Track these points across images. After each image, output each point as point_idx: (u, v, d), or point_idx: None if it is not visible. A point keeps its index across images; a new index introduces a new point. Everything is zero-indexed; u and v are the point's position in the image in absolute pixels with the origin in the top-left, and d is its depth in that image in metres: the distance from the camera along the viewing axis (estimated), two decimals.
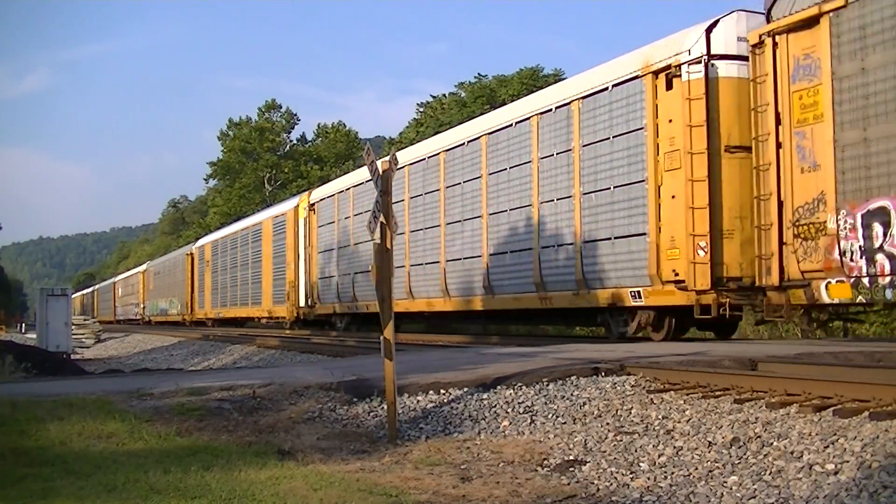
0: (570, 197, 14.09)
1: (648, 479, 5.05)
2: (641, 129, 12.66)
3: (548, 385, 7.60)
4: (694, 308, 11.86)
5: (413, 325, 22.39)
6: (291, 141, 69.33)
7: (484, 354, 10.97)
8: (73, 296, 49.21)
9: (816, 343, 11.32)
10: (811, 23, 10.54)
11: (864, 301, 10.12)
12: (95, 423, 6.25)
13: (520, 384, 7.60)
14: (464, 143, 17.28)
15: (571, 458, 5.65)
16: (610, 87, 13.40)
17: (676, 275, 12.01)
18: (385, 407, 6.72)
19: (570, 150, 14.13)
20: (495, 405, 7.14)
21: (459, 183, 17.34)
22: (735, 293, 11.69)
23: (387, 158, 6.96)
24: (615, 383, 7.54)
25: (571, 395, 7.30)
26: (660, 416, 6.33)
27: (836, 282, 10.25)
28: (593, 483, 5.08)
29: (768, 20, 11.30)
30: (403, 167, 19.00)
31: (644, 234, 12.56)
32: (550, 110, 14.78)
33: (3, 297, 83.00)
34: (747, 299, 11.75)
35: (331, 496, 4.54)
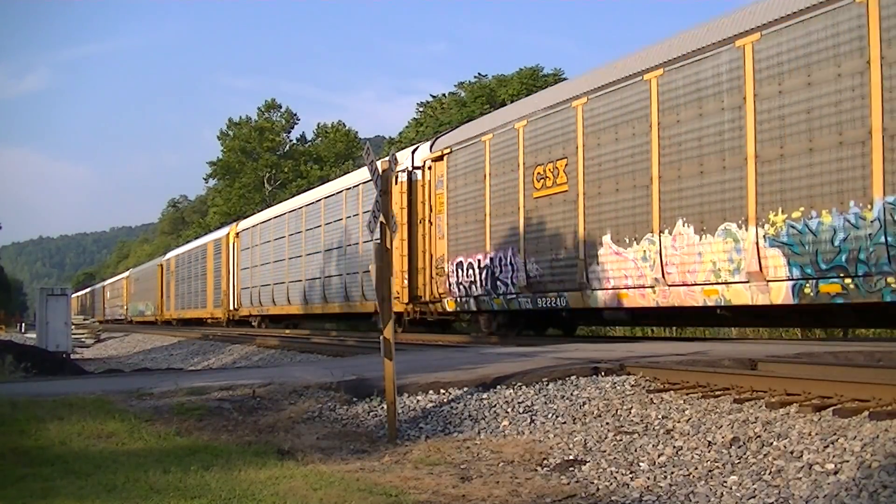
0: (355, 244, 22.19)
1: (648, 478, 5.05)
2: None
3: (548, 385, 7.60)
4: (404, 314, 19.56)
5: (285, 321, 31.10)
6: (291, 141, 69.27)
7: (484, 354, 10.97)
8: (73, 296, 50.39)
9: (816, 343, 11.33)
10: (441, 157, 18.43)
11: (459, 310, 17.99)
12: (95, 422, 6.25)
13: (520, 384, 7.60)
14: (312, 202, 26.47)
15: (571, 457, 5.65)
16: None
17: (397, 294, 18.85)
18: (385, 407, 6.72)
19: (351, 216, 22.82)
20: (495, 405, 7.14)
21: (312, 228, 26.00)
22: (421, 305, 19.20)
23: (387, 159, 6.96)
24: (615, 383, 7.54)
25: (571, 394, 7.30)
26: (660, 416, 6.33)
27: (450, 300, 17.96)
28: (593, 483, 5.08)
29: (431, 150, 19.07)
30: (281, 215, 29.23)
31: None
32: (336, 193, 24.21)
33: (2, 296, 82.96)
34: (426, 307, 19.18)
35: (330, 496, 4.54)
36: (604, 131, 13.29)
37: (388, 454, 5.85)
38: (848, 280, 9.69)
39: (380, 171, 6.74)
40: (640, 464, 5.35)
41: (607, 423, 6.38)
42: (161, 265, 49.89)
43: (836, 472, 4.56)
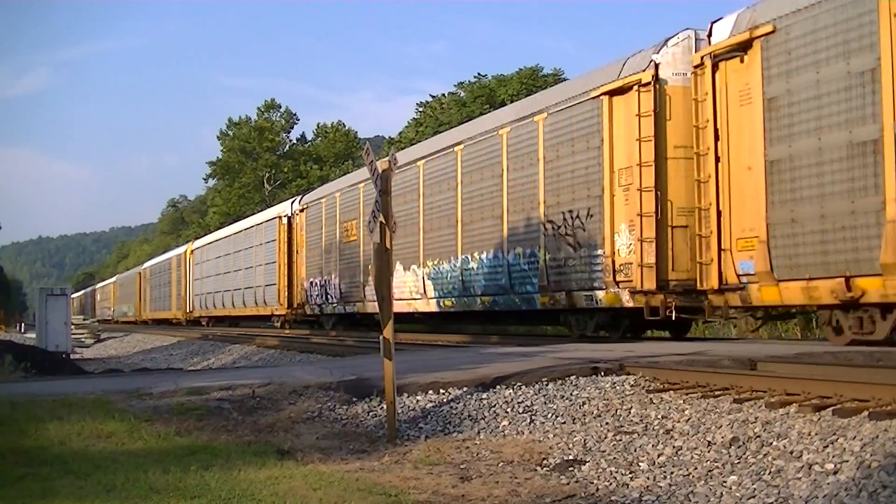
0: (261, 265, 30.30)
1: (648, 478, 5.05)
2: (275, 240, 28.89)
3: (547, 385, 7.59)
4: (286, 315, 28.21)
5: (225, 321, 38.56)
6: (291, 140, 69.21)
7: (483, 354, 10.97)
8: (73, 296, 51.39)
9: (816, 343, 11.32)
10: (303, 210, 27.56)
11: (313, 313, 26.32)
12: (95, 422, 6.24)
13: (519, 384, 7.60)
14: (237, 231, 35.16)
15: (571, 457, 5.65)
16: (269, 219, 30.46)
17: (282, 302, 28.14)
18: (384, 406, 6.71)
19: (259, 244, 30.85)
20: (495, 405, 7.14)
21: (236, 251, 34.24)
22: (295, 310, 27.63)
23: (387, 159, 6.95)
24: (614, 383, 7.54)
25: (571, 394, 7.30)
26: (659, 416, 6.33)
27: (308, 307, 26.41)
28: (592, 483, 5.08)
29: (299, 204, 28.23)
30: (220, 239, 38.06)
31: (275, 283, 28.73)
32: (250, 227, 32.93)
33: (2, 296, 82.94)
34: (296, 312, 27.62)
35: (330, 496, 4.54)
36: (368, 206, 20.46)
37: (387, 454, 5.84)
38: (454, 299, 17.73)
39: (380, 171, 6.73)
40: (640, 464, 5.35)
41: (607, 423, 6.38)
42: (140, 273, 58.90)
43: (835, 472, 4.56)
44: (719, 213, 11.22)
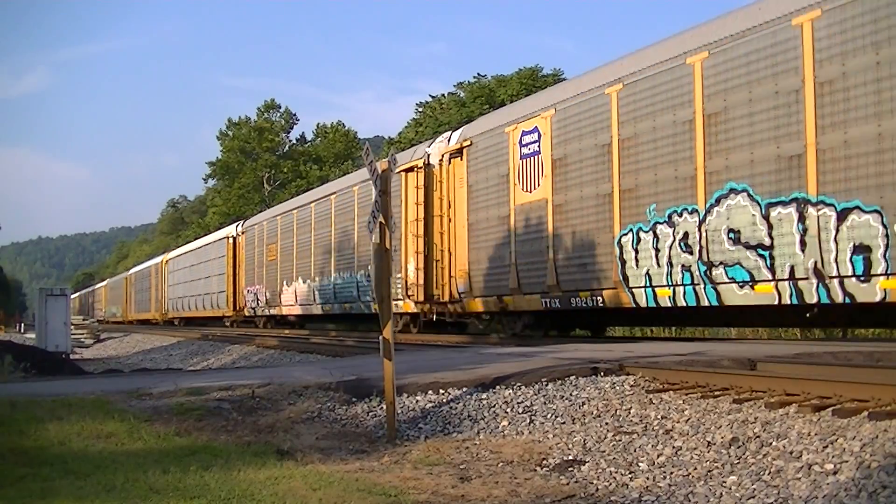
0: (215, 276, 36.29)
1: (647, 479, 5.05)
2: (224, 256, 35.04)
3: (547, 385, 7.59)
4: (232, 317, 34.94)
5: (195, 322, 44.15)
6: (290, 141, 69.20)
7: (483, 354, 10.97)
8: (73, 296, 52.36)
9: (816, 343, 11.34)
10: (244, 232, 34.41)
11: (249, 315, 33.03)
12: (94, 423, 6.24)
13: (519, 384, 7.60)
14: (200, 246, 41.75)
15: (570, 457, 5.65)
16: (220, 238, 36.63)
17: (229, 306, 34.51)
18: (384, 407, 6.71)
19: (214, 259, 36.76)
20: (494, 405, 7.14)
21: (198, 263, 40.51)
22: (239, 312, 34.09)
23: (386, 159, 6.95)
24: (614, 383, 7.54)
25: (570, 394, 7.30)
26: (659, 416, 6.33)
27: (247, 310, 33.25)
28: (592, 483, 5.08)
29: (242, 227, 34.97)
30: (187, 252, 45.13)
31: (224, 291, 34.92)
32: (207, 244, 39.80)
33: (2, 296, 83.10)
34: (242, 314, 33.74)
35: (330, 496, 4.54)
36: (284, 233, 28.60)
37: (387, 454, 5.85)
38: (330, 305, 24.24)
39: (379, 171, 6.72)
40: (640, 464, 5.35)
41: (606, 424, 6.38)
42: (127, 278, 66.00)
43: (835, 473, 4.56)
44: (450, 254, 17.74)
